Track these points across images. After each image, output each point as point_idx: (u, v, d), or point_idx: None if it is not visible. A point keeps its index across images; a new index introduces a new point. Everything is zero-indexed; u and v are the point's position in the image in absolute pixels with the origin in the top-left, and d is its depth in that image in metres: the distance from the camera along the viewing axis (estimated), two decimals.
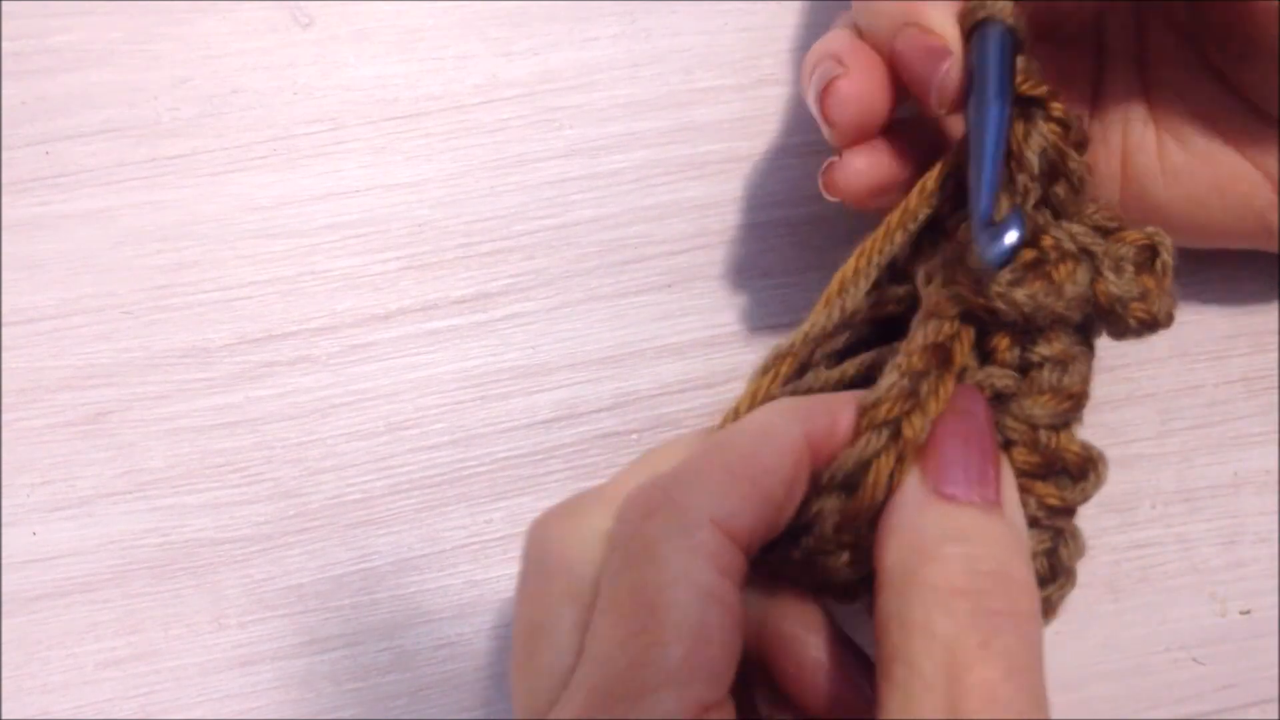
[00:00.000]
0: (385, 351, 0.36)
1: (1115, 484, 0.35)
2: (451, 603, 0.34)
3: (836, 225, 0.37)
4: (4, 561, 0.34)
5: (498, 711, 0.34)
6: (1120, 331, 0.27)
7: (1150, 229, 0.27)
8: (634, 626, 0.22)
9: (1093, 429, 0.35)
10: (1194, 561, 0.35)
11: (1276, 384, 0.36)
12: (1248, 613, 0.35)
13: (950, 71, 0.28)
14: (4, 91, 0.37)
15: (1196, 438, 0.36)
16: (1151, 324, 0.26)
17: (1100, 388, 0.35)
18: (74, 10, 0.37)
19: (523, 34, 0.38)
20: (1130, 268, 0.26)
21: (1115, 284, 0.26)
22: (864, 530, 0.24)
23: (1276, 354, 0.36)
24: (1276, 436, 0.36)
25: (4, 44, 0.37)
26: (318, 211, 0.36)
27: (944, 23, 0.28)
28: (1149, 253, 0.27)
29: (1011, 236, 0.25)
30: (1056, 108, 0.27)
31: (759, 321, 0.37)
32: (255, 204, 0.36)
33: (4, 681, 0.33)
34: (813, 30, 0.38)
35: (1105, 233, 0.27)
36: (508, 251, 0.36)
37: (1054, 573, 0.26)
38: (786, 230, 0.37)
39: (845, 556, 0.25)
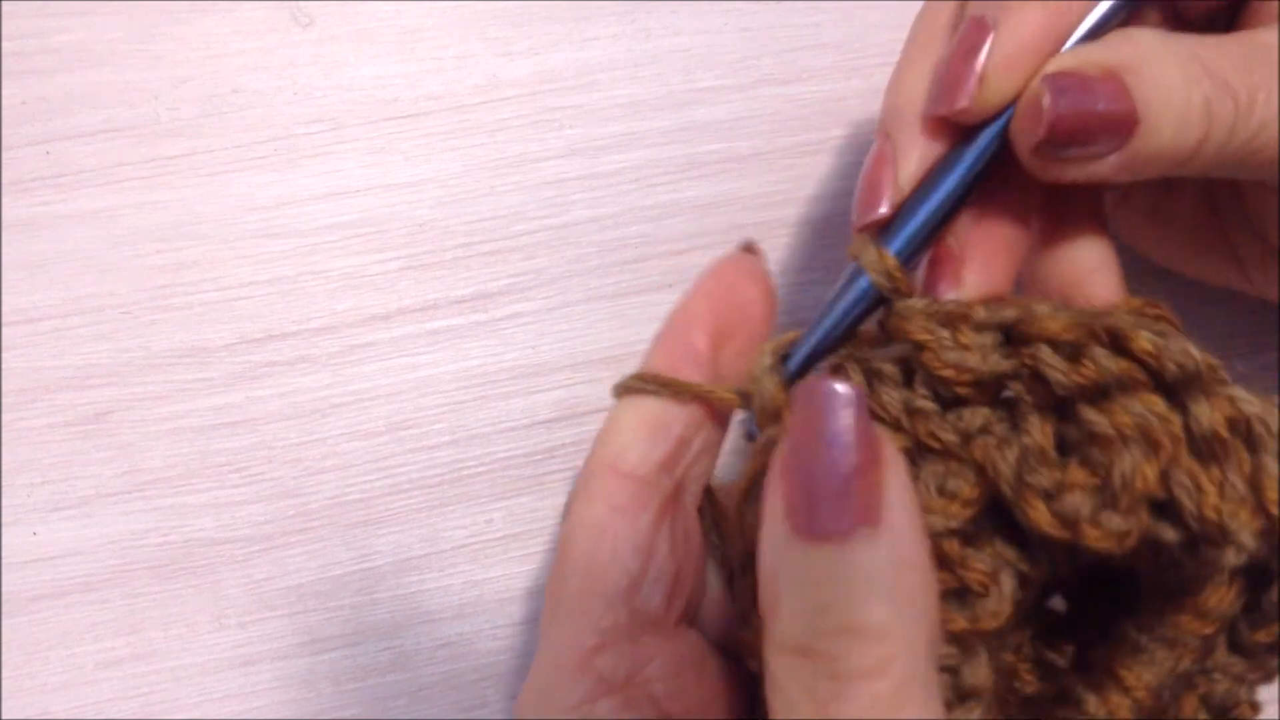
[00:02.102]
0: (385, 351, 0.36)
1: None
2: (451, 603, 0.34)
3: (836, 225, 0.37)
4: (4, 561, 0.34)
5: (498, 711, 0.34)
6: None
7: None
8: (555, 559, 0.24)
9: None
10: None
11: (1277, 384, 0.36)
12: None
13: (875, 223, 0.26)
14: (4, 91, 0.37)
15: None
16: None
17: None
18: (74, 10, 0.37)
19: (523, 34, 0.38)
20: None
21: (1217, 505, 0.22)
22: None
23: (1276, 354, 0.36)
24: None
25: (4, 44, 0.37)
26: (318, 211, 0.36)
27: (918, 153, 0.26)
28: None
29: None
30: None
31: None
32: (255, 204, 0.36)
33: (4, 681, 0.33)
34: (813, 30, 0.38)
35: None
36: (508, 251, 0.36)
37: (959, 694, 0.23)
38: (786, 230, 0.37)
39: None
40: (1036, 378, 0.23)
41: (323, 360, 0.36)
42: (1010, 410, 0.24)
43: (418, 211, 0.37)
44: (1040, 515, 0.22)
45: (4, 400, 0.35)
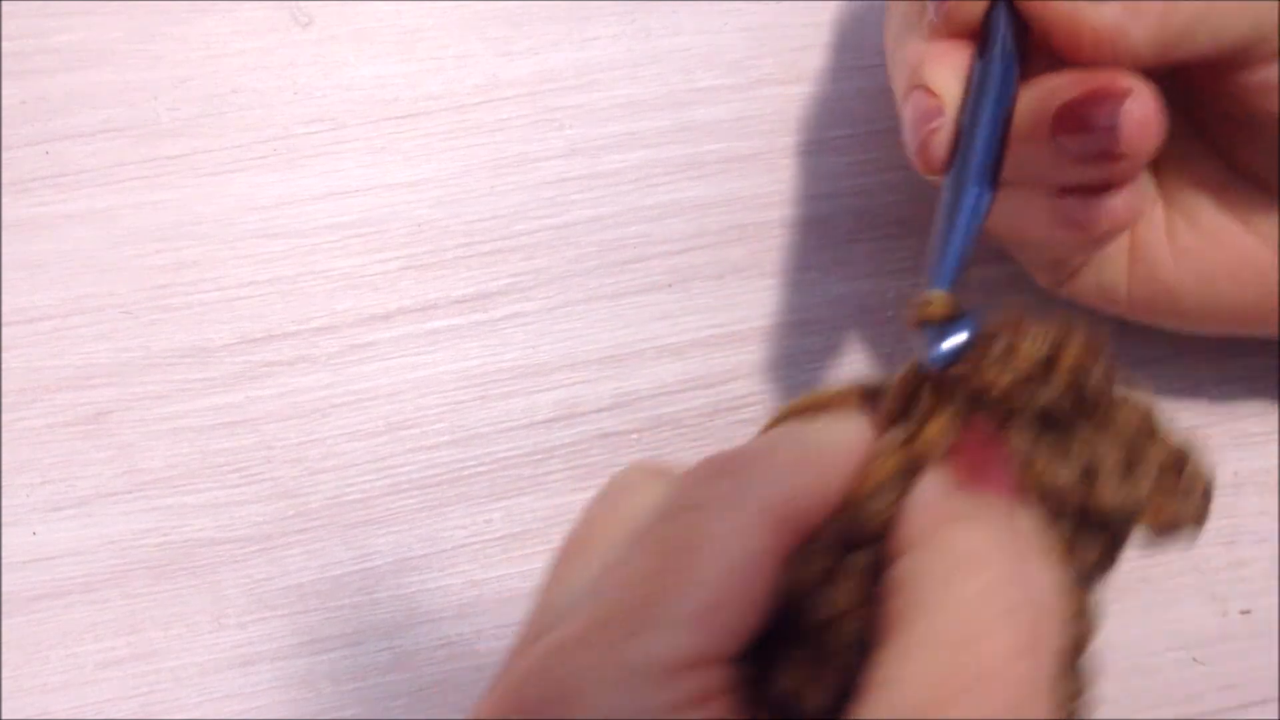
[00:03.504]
0: (385, 351, 0.36)
1: None
2: (451, 603, 0.34)
3: (837, 225, 0.37)
4: (4, 561, 0.34)
5: None
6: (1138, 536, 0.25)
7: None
8: (665, 564, 0.22)
9: None
10: (1194, 561, 0.35)
11: (1276, 384, 0.36)
12: (1248, 613, 0.35)
13: (938, 134, 0.26)
14: (4, 91, 0.37)
15: (1196, 438, 0.36)
16: (1172, 529, 0.24)
17: None
18: (74, 10, 0.37)
19: (523, 34, 0.38)
20: (1147, 479, 0.24)
21: (1113, 492, 0.24)
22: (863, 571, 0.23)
23: (1276, 354, 0.36)
24: (1276, 436, 0.36)
25: (4, 44, 0.37)
26: (318, 211, 0.36)
27: (948, 82, 0.27)
28: (1175, 463, 0.25)
29: (958, 338, 0.22)
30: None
31: (759, 321, 0.37)
32: (255, 204, 0.36)
33: (4, 681, 0.33)
34: (813, 30, 0.38)
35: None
36: (508, 251, 0.36)
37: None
38: (786, 230, 0.37)
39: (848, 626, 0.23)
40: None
41: (323, 360, 0.36)
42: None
43: (417, 211, 0.37)
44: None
45: (4, 400, 0.35)
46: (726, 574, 0.21)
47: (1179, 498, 0.24)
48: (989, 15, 0.27)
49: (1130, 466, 0.24)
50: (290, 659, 0.34)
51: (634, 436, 0.36)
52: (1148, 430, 0.25)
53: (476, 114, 0.37)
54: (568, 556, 0.25)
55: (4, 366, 0.35)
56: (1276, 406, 0.36)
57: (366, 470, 0.35)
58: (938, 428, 0.23)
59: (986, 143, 0.25)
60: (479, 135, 0.37)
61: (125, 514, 0.34)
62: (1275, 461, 0.35)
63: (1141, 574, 0.35)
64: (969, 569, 0.21)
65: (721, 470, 0.23)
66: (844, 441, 0.23)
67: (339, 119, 0.37)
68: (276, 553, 0.34)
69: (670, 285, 0.37)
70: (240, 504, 0.35)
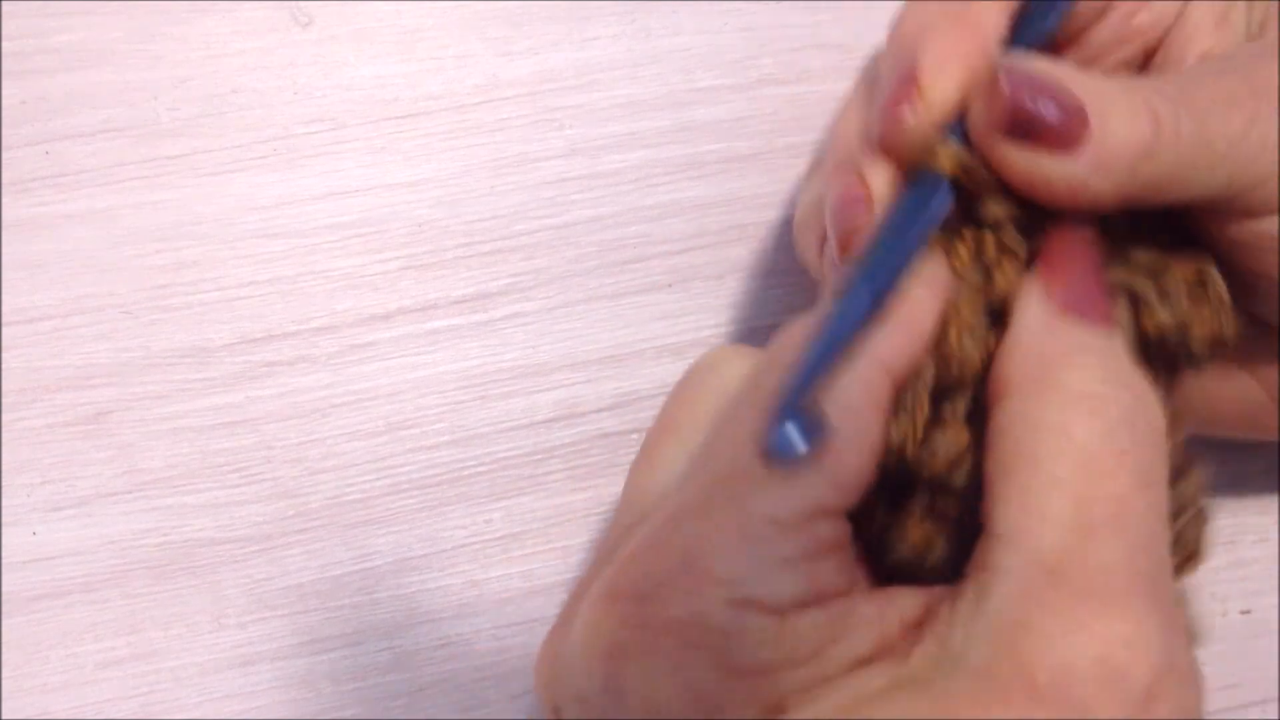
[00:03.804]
0: (385, 351, 0.36)
1: None
2: (451, 603, 0.34)
3: None
4: (4, 561, 0.34)
5: (498, 711, 0.34)
6: (1191, 360, 0.26)
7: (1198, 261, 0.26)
8: (733, 460, 0.22)
9: None
10: None
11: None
12: (1248, 613, 0.35)
13: (854, 225, 0.26)
14: (4, 91, 0.37)
15: (1196, 438, 0.35)
16: (1219, 342, 0.25)
17: None
18: (74, 10, 0.37)
19: (523, 34, 0.38)
20: (1182, 298, 0.25)
21: (1163, 312, 0.25)
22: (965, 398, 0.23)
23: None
24: (1276, 437, 0.36)
25: (4, 44, 0.37)
26: (318, 211, 0.36)
27: (884, 176, 0.26)
28: (1198, 279, 0.26)
29: (800, 444, 0.21)
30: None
31: (759, 321, 0.37)
32: (255, 204, 0.36)
33: (4, 681, 0.33)
34: (812, 30, 0.38)
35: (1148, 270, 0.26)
36: (508, 251, 0.36)
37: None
38: (786, 230, 0.37)
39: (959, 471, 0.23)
40: None
41: (323, 360, 0.36)
42: None
43: (417, 211, 0.37)
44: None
45: (4, 400, 0.35)
46: (841, 422, 0.22)
47: (1213, 307, 0.26)
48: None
49: (1163, 292, 0.25)
50: (290, 659, 0.34)
51: (634, 436, 0.36)
52: (1164, 257, 0.26)
53: (476, 114, 0.37)
54: (657, 439, 0.25)
55: (4, 366, 0.35)
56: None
57: (366, 470, 0.35)
58: (1012, 266, 0.24)
59: (888, 252, 0.24)
60: (479, 135, 0.37)
61: (125, 514, 0.34)
62: (1275, 462, 0.35)
63: None
64: (1088, 411, 0.21)
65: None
66: (925, 289, 0.24)
67: (339, 119, 0.37)
68: (276, 553, 0.34)
69: (670, 285, 0.37)
70: (240, 504, 0.35)
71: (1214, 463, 0.35)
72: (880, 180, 0.26)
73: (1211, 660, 0.34)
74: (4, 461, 0.34)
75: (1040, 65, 0.25)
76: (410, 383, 0.35)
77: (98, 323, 0.35)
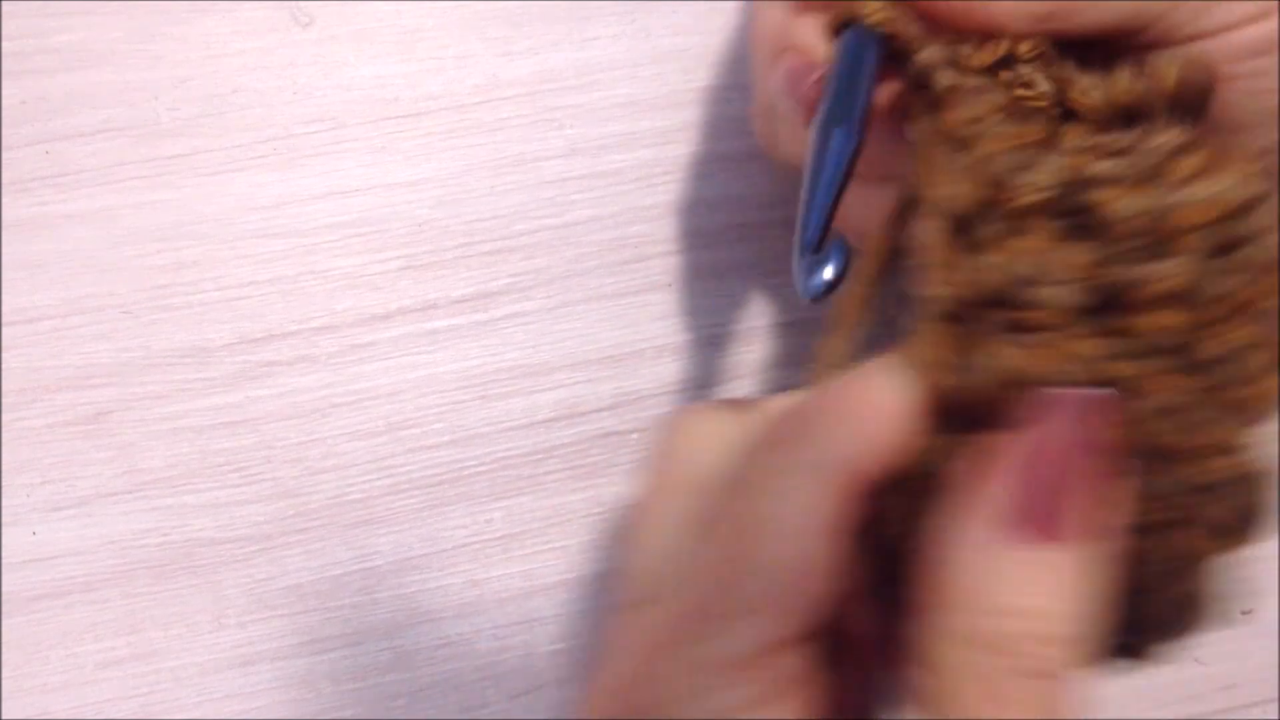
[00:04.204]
0: (385, 351, 0.36)
1: None
2: (451, 603, 0.34)
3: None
4: (4, 561, 0.34)
5: (498, 711, 0.34)
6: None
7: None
8: (730, 551, 0.22)
9: None
10: None
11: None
12: (1248, 613, 0.35)
13: (810, 87, 0.26)
14: (4, 91, 0.37)
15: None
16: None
17: None
18: (74, 10, 0.37)
19: (523, 34, 0.38)
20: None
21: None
22: None
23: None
24: (1277, 436, 0.36)
25: (4, 44, 0.37)
26: (318, 211, 0.36)
27: (820, 39, 0.27)
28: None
29: (829, 271, 0.23)
30: (1025, 49, 0.25)
31: (759, 321, 0.37)
32: (255, 204, 0.36)
33: (4, 681, 0.33)
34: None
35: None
36: (508, 251, 0.36)
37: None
38: (786, 230, 0.37)
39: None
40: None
41: (323, 360, 0.36)
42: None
43: (417, 211, 0.37)
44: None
45: (4, 400, 0.35)
46: (792, 557, 0.21)
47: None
48: None
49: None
50: (290, 659, 0.34)
51: (634, 436, 0.36)
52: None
53: (476, 114, 0.37)
54: (641, 515, 0.25)
55: (4, 366, 0.35)
56: (1276, 406, 0.36)
57: (366, 470, 0.35)
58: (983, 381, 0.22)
59: (850, 94, 0.25)
60: (479, 135, 0.37)
61: (125, 514, 0.34)
62: (1276, 462, 0.35)
63: None
64: (976, 660, 0.20)
65: (779, 443, 0.23)
66: (896, 389, 0.23)
67: (339, 119, 0.37)
68: (276, 553, 0.34)
69: (670, 285, 0.37)
70: (240, 504, 0.35)
71: None
72: (817, 40, 0.27)
73: (1211, 660, 0.34)
74: (4, 461, 0.34)
75: None
76: (410, 383, 0.35)
77: (98, 323, 0.35)
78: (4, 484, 0.34)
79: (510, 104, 0.37)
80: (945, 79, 0.25)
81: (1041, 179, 0.22)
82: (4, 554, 0.34)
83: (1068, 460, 0.21)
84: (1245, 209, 0.20)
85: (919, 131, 0.25)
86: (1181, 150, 0.23)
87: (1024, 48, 0.25)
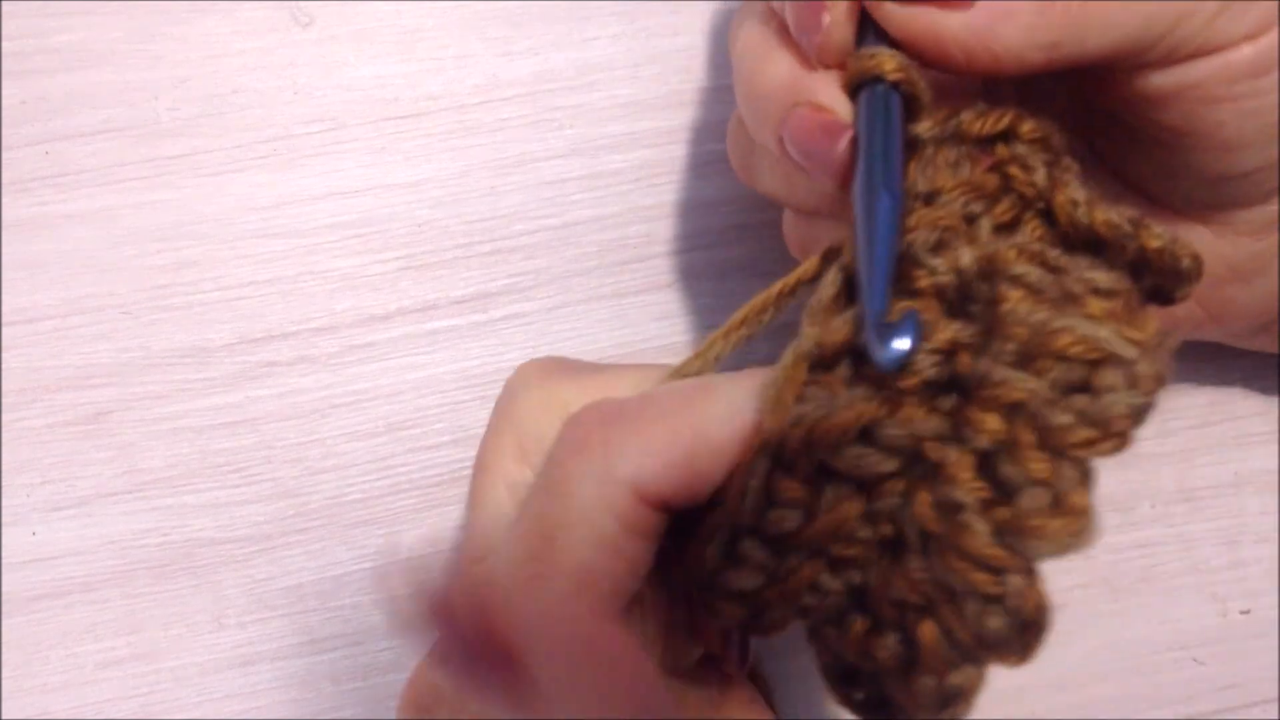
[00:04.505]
0: (385, 351, 0.36)
1: (1115, 484, 0.35)
2: None
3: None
4: (4, 561, 0.34)
5: None
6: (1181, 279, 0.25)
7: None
8: (532, 551, 0.23)
9: None
10: (1194, 561, 0.35)
11: (1276, 384, 0.36)
12: (1248, 613, 0.35)
13: (844, 149, 0.25)
14: (4, 91, 0.37)
15: (1196, 438, 0.36)
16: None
17: None
18: (74, 10, 0.37)
19: (523, 34, 0.38)
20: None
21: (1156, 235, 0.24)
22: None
23: (1276, 354, 0.36)
24: (1276, 436, 0.36)
25: (4, 44, 0.37)
26: (318, 211, 0.36)
27: (837, 96, 0.26)
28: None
29: (904, 343, 0.22)
30: (1028, 129, 0.25)
31: None
32: (255, 204, 0.36)
33: (4, 681, 0.33)
34: None
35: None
36: (508, 251, 0.36)
37: None
38: None
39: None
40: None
41: (323, 360, 0.36)
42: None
43: (417, 211, 0.37)
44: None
45: (4, 400, 0.35)
46: (579, 561, 0.23)
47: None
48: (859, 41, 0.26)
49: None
50: (290, 659, 0.34)
51: None
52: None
53: (476, 114, 0.37)
54: (484, 471, 0.27)
55: (4, 366, 0.35)
56: (1276, 406, 0.36)
57: (366, 470, 0.35)
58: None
59: (886, 155, 0.25)
60: (479, 135, 0.37)
61: (125, 514, 0.34)
62: (1275, 462, 0.35)
63: (1141, 574, 0.35)
64: None
65: (587, 445, 0.23)
66: (729, 424, 0.23)
67: (339, 119, 0.37)
68: (276, 553, 0.34)
69: (670, 285, 0.37)
70: (240, 504, 0.35)
71: (1214, 461, 0.35)
72: (830, 96, 0.26)
73: (1211, 660, 0.34)
74: (4, 461, 0.34)
75: None
76: (410, 383, 0.35)
77: (98, 323, 0.35)
78: (4, 484, 0.34)
79: (510, 104, 0.37)
80: (928, 148, 0.25)
81: (945, 265, 0.23)
82: (4, 554, 0.34)
83: None
84: (1111, 363, 0.21)
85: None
86: (1107, 294, 0.23)
87: (1026, 127, 0.25)
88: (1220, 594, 0.35)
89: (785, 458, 0.23)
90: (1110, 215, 0.25)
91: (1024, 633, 0.22)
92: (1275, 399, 0.36)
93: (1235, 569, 0.35)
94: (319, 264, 0.36)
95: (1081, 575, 0.34)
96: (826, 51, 0.26)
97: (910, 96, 0.25)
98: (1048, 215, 0.25)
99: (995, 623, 0.22)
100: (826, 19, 0.26)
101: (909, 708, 0.24)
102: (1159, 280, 0.25)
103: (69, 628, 0.34)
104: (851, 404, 0.22)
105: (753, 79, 0.28)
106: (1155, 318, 0.23)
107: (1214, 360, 0.36)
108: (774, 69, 0.28)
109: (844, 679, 0.25)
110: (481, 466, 0.27)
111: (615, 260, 0.37)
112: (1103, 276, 0.24)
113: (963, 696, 0.23)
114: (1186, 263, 0.25)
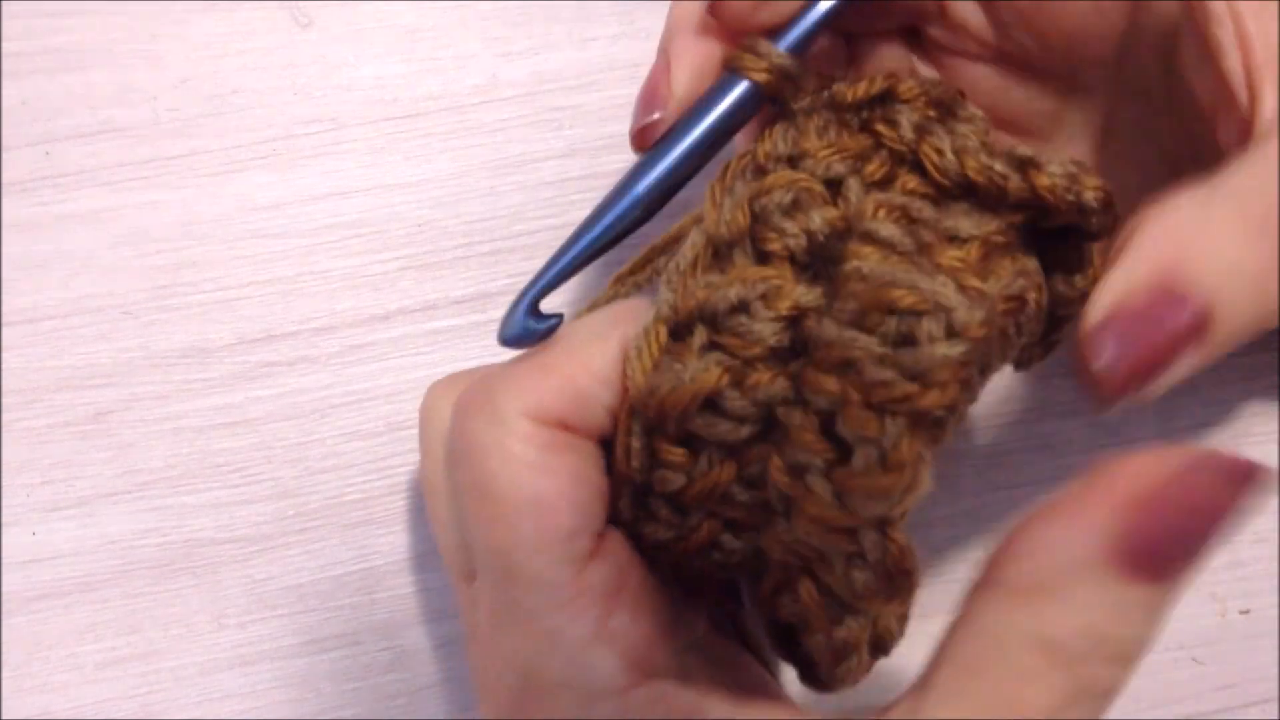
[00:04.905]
0: (385, 351, 0.36)
1: None
2: (451, 603, 0.34)
3: None
4: (4, 561, 0.34)
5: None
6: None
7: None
8: (485, 514, 0.24)
9: (1093, 429, 0.35)
10: None
11: (1276, 384, 0.36)
12: (1247, 613, 0.35)
13: (649, 123, 0.26)
14: (4, 91, 0.37)
15: (1196, 438, 0.36)
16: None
17: None
18: (74, 10, 0.37)
19: (523, 34, 0.38)
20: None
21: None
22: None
23: (1276, 353, 0.36)
24: (1276, 436, 0.36)
25: (4, 44, 0.37)
26: (318, 211, 0.36)
27: (699, 62, 0.27)
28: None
29: (531, 333, 0.24)
30: (906, 89, 0.26)
31: None
32: (255, 204, 0.36)
33: (4, 681, 0.33)
34: None
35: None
36: (508, 251, 0.36)
37: None
38: None
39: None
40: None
41: (323, 360, 0.36)
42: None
43: (417, 212, 0.37)
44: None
45: (4, 400, 0.35)
46: (527, 495, 0.23)
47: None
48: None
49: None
50: (290, 659, 0.34)
51: None
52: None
53: (476, 114, 0.37)
54: (430, 489, 0.27)
55: (4, 366, 0.35)
56: (1276, 406, 0.36)
57: (366, 470, 0.35)
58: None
59: (667, 171, 0.26)
60: (479, 135, 0.37)
61: (125, 514, 0.34)
62: (1275, 462, 0.35)
63: None
64: (1043, 674, 0.21)
65: (475, 404, 0.24)
66: (594, 345, 0.25)
67: (339, 119, 0.37)
68: (276, 553, 0.34)
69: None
70: (240, 504, 0.35)
71: None
72: (685, 73, 0.26)
73: (1211, 660, 0.34)
74: (4, 461, 0.34)
75: (1137, 272, 0.22)
76: (410, 383, 0.35)
77: (98, 323, 0.35)
78: (4, 484, 0.34)
79: (510, 104, 0.37)
80: (798, 118, 0.26)
81: (794, 228, 0.23)
82: (4, 554, 0.34)
83: (1208, 518, 0.20)
84: (932, 314, 0.21)
85: (740, 151, 0.26)
86: (961, 241, 0.23)
87: (904, 88, 0.26)
88: (1219, 594, 0.35)
89: (650, 423, 0.23)
90: (980, 159, 0.25)
91: (892, 582, 0.22)
92: (1275, 399, 0.36)
93: (1234, 569, 0.35)
94: (319, 264, 0.36)
95: None
96: (720, 14, 0.26)
97: (773, 96, 0.26)
98: (922, 169, 0.25)
99: (860, 577, 0.22)
100: None
101: (817, 664, 0.24)
102: (1069, 218, 0.25)
103: (69, 628, 0.34)
104: (695, 374, 0.23)
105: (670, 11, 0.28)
106: (1019, 262, 0.23)
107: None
108: (679, 11, 0.28)
109: (778, 639, 0.25)
110: (428, 490, 0.27)
111: (615, 260, 0.37)
112: (965, 224, 0.24)
113: (854, 649, 0.24)
114: (1089, 195, 0.24)
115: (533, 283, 0.25)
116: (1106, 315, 0.22)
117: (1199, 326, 0.22)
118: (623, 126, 0.37)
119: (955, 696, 0.21)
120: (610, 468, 0.25)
